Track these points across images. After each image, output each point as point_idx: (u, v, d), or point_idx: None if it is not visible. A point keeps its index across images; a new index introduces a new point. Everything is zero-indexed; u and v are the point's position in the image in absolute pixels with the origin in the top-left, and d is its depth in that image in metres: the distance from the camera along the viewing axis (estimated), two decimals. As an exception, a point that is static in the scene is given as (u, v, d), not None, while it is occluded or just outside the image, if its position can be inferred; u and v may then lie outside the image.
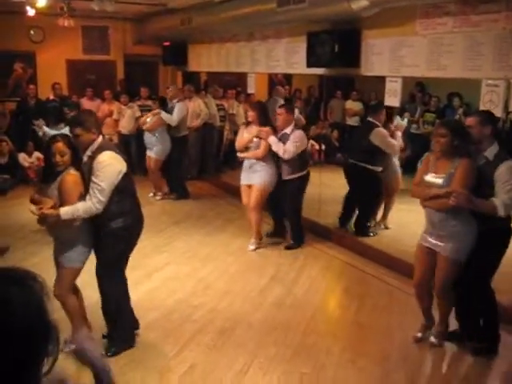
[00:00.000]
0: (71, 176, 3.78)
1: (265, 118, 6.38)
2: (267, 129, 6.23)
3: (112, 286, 4.04)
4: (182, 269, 5.84)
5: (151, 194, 8.82)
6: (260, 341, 4.32)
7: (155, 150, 8.55)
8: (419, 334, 4.37)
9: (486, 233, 3.83)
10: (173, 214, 8.00)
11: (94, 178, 3.73)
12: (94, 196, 3.72)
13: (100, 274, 4.01)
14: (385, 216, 7.03)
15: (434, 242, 4.02)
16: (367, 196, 6.62)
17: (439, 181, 3.89)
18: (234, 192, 8.62)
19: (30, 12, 8.74)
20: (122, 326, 4.16)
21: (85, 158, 3.88)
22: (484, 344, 4.14)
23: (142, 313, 4.74)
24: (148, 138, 8.59)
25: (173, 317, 4.72)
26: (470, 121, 3.99)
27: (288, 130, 6.29)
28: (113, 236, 3.89)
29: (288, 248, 6.52)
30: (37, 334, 1.19)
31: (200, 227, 7.31)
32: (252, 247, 6.46)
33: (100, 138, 3.92)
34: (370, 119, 6.63)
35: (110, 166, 3.79)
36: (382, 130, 6.47)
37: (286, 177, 6.35)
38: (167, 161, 8.67)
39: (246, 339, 4.35)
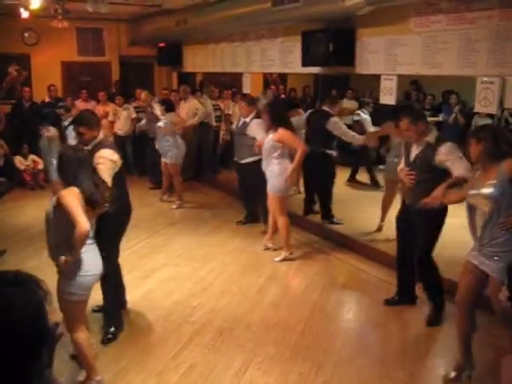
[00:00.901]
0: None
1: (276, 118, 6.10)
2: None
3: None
4: (180, 270, 5.83)
5: (174, 206, 8.34)
6: (258, 341, 4.32)
7: (170, 155, 8.23)
8: (452, 374, 3.78)
9: (428, 211, 4.17)
10: (169, 216, 7.99)
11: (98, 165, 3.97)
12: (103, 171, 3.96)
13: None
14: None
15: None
16: (327, 180, 7.12)
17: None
18: (230, 192, 8.63)
19: (24, 14, 8.69)
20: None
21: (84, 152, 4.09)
22: (435, 313, 4.59)
23: (140, 314, 4.75)
24: (160, 143, 8.29)
25: (171, 318, 4.71)
26: (402, 125, 4.39)
27: (248, 119, 6.89)
28: (106, 218, 3.88)
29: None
30: (34, 336, 1.20)
31: (196, 228, 7.30)
32: (278, 259, 6.09)
33: (101, 135, 4.26)
34: (325, 108, 7.09)
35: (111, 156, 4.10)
36: (336, 118, 6.99)
37: (243, 161, 6.92)
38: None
39: (244, 339, 4.35)
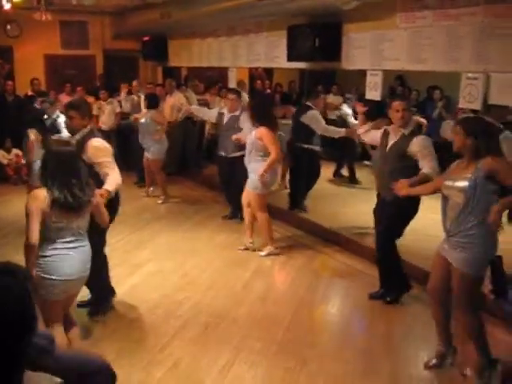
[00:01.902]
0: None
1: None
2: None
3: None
4: (165, 264, 5.81)
5: (159, 201, 8.29)
6: (244, 335, 4.32)
7: (152, 150, 8.17)
8: (433, 361, 3.87)
9: (400, 200, 4.26)
10: (154, 211, 7.95)
11: (99, 159, 4.14)
12: (111, 169, 4.18)
13: None
14: None
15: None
16: (310, 176, 7.28)
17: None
18: (215, 187, 8.61)
19: (6, 6, 8.57)
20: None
21: (73, 141, 4.27)
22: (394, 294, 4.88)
23: (126, 309, 4.72)
24: (143, 138, 8.25)
25: (157, 312, 4.69)
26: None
27: (237, 113, 6.96)
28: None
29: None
30: (22, 323, 1.30)
31: (182, 223, 7.28)
32: (262, 253, 6.09)
33: (90, 126, 4.35)
34: (308, 103, 7.22)
35: (105, 144, 4.31)
36: (315, 112, 7.06)
37: (231, 154, 6.91)
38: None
39: (230, 334, 4.35)
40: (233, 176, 6.93)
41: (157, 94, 8.92)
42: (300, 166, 7.19)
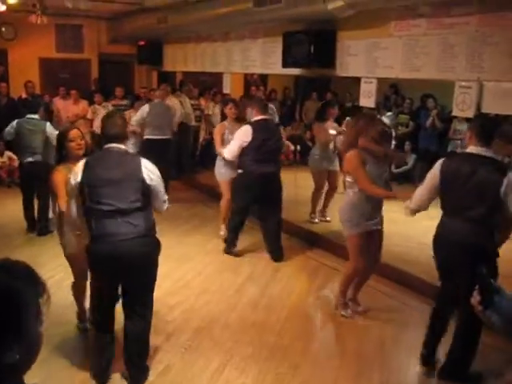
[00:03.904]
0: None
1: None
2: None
3: None
4: (158, 268, 5.77)
5: None
6: (236, 341, 4.31)
7: None
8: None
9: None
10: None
11: None
12: None
13: None
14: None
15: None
16: None
17: None
18: (210, 192, 8.60)
19: (1, 8, 8.56)
20: None
21: None
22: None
23: (117, 313, 4.68)
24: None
25: (148, 317, 4.67)
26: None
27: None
28: None
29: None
30: (11, 324, 1.21)
31: (176, 227, 7.25)
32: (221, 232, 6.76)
33: None
34: None
35: None
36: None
37: None
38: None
39: (222, 339, 4.34)
40: None
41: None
42: None
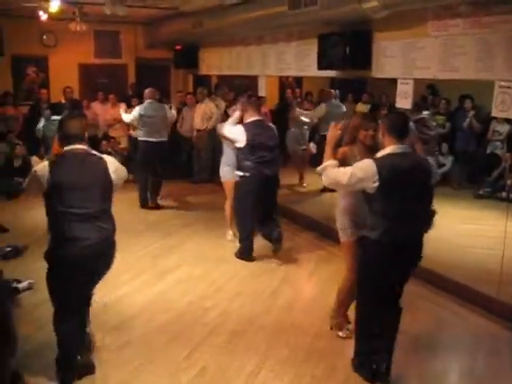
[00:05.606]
0: None
1: None
2: None
3: None
4: (194, 271, 5.84)
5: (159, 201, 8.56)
6: (271, 343, 4.31)
7: None
8: None
9: None
10: (183, 217, 8.01)
11: None
12: None
13: None
14: None
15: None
16: None
17: None
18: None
19: (43, 17, 8.81)
20: None
21: None
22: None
23: (153, 315, 4.76)
24: None
25: (184, 319, 4.72)
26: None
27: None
28: None
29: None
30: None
31: (211, 229, 7.30)
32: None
33: None
34: None
35: None
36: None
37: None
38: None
39: (257, 341, 4.35)
40: None
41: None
42: None
